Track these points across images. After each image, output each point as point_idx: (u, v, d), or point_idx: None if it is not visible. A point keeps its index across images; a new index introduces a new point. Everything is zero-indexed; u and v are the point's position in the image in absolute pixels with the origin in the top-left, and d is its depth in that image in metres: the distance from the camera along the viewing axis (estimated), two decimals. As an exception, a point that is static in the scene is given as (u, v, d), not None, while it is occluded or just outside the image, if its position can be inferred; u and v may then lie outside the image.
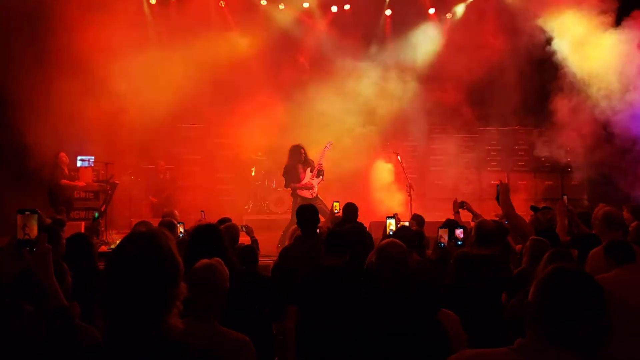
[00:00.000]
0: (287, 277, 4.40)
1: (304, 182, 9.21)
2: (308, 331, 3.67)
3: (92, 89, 9.90)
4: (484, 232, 4.51)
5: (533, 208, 6.28)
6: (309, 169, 9.28)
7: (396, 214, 5.95)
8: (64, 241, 3.94)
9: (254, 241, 5.71)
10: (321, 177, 9.32)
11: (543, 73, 11.03)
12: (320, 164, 9.27)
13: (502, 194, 5.29)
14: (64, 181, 9.35)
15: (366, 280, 3.19)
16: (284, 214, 10.82)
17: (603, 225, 4.59)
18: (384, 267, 2.94)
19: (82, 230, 7.10)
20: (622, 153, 10.12)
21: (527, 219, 6.03)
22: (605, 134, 10.15)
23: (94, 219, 6.41)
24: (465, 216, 6.55)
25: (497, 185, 5.40)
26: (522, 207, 7.64)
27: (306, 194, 9.16)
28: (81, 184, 9.67)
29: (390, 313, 2.77)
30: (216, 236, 3.80)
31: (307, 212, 4.91)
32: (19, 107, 9.44)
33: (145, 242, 1.62)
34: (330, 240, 4.02)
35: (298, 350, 3.71)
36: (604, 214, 4.63)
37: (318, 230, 5.13)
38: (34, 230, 2.17)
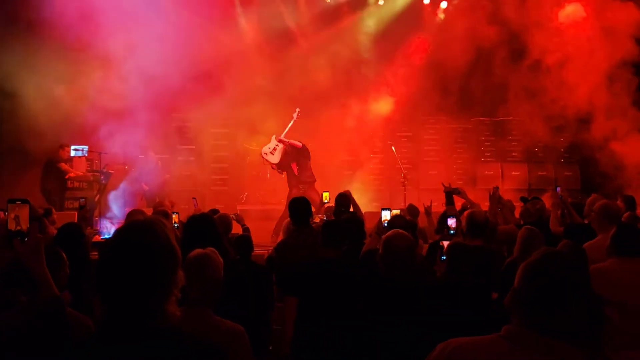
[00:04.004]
0: (283, 268, 4.39)
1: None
2: (305, 322, 3.66)
3: (84, 78, 9.79)
4: (475, 223, 4.52)
5: (523, 199, 6.32)
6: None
7: (390, 208, 5.96)
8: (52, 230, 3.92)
9: (245, 229, 5.71)
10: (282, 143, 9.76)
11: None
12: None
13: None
14: (72, 172, 9.30)
15: (365, 270, 3.17)
16: (279, 204, 10.81)
17: (600, 218, 4.45)
18: (390, 259, 2.92)
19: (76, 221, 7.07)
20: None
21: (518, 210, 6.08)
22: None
23: (81, 207, 6.38)
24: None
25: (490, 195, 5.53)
26: (514, 197, 7.67)
27: (272, 158, 9.83)
28: (79, 173, 9.63)
29: (393, 305, 2.75)
30: (210, 225, 3.78)
31: (299, 205, 4.87)
32: (10, 98, 9.35)
33: (144, 230, 1.62)
34: (328, 232, 3.98)
35: (293, 341, 3.70)
36: (603, 207, 4.49)
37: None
38: (25, 220, 2.16)
